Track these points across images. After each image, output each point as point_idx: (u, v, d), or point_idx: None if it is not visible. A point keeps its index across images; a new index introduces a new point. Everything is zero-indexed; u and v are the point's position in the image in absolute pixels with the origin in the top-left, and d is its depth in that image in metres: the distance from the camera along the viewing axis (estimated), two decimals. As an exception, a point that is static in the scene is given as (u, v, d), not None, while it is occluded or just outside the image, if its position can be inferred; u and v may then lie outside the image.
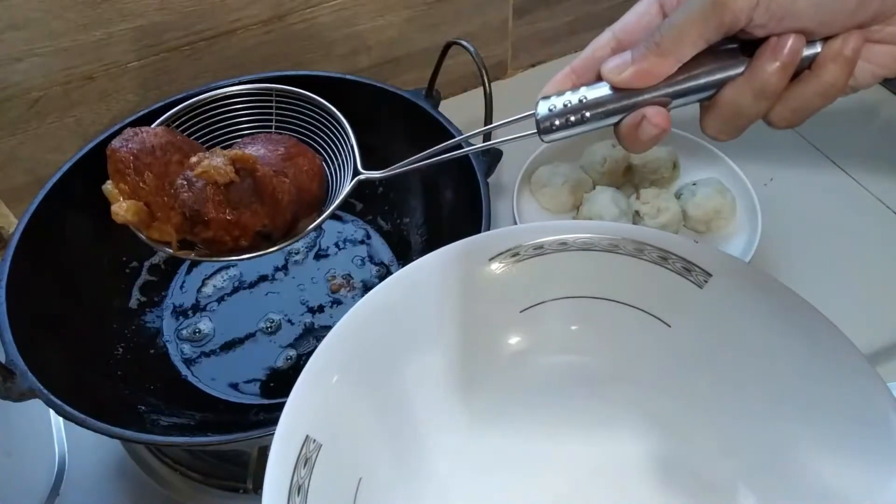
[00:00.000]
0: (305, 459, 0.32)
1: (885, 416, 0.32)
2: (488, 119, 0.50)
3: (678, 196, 0.58)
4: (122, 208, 0.37)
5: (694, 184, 0.58)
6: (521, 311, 0.40)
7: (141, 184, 0.37)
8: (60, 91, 0.54)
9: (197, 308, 0.54)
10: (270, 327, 0.52)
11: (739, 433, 0.36)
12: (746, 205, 0.57)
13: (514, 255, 0.39)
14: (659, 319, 0.39)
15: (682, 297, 0.38)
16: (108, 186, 0.38)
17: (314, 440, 0.32)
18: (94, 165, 0.50)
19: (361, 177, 0.39)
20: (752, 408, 0.36)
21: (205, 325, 0.52)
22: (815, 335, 0.35)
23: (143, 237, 0.38)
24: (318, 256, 0.57)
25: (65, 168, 0.48)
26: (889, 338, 0.51)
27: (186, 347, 0.51)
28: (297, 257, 0.57)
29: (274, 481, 0.30)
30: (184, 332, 0.52)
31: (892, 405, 0.32)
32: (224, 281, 0.55)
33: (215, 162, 0.36)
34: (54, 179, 0.48)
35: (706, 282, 0.38)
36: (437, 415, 0.38)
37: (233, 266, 0.56)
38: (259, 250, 0.39)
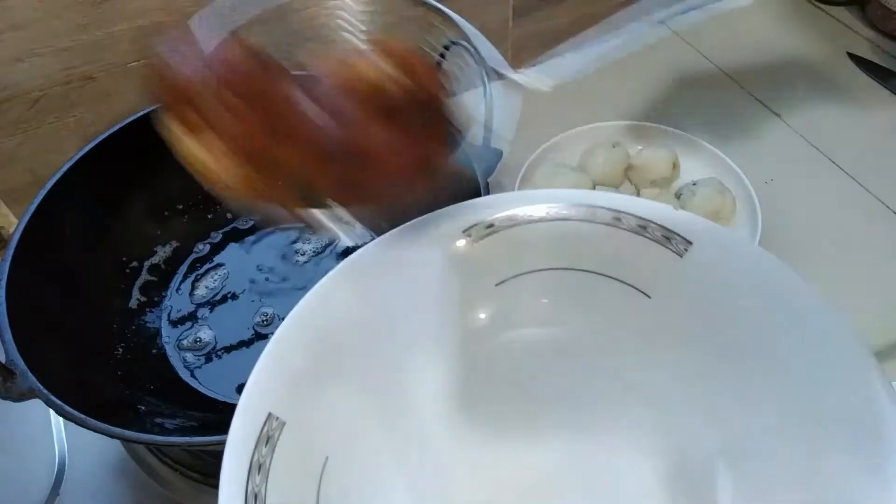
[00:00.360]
0: (267, 437, 0.31)
1: (872, 390, 0.31)
2: (488, 119, 0.50)
3: (678, 196, 0.58)
4: (206, 157, 0.24)
5: (694, 184, 0.58)
6: (496, 285, 0.39)
7: (222, 112, 0.24)
8: (61, 91, 0.54)
9: (193, 314, 0.53)
10: (265, 320, 0.52)
11: (724, 407, 0.35)
12: (746, 205, 0.57)
13: (488, 227, 0.38)
14: (639, 290, 0.38)
15: (662, 266, 0.37)
16: (169, 123, 0.25)
17: (277, 418, 0.31)
18: (94, 165, 0.50)
19: (517, 77, 0.29)
20: (736, 380, 0.35)
21: (205, 334, 0.52)
22: (799, 304, 0.34)
23: (234, 200, 0.26)
24: (312, 260, 0.56)
25: (65, 168, 0.48)
26: (890, 338, 0.51)
27: (189, 356, 0.51)
28: (300, 258, 0.56)
29: (233, 459, 0.29)
30: (184, 342, 0.52)
31: (878, 377, 0.31)
32: (215, 281, 0.55)
33: (378, 65, 0.24)
34: (54, 179, 0.48)
35: (686, 250, 0.37)
36: (411, 395, 0.37)
37: (221, 265, 0.56)
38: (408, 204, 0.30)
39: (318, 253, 0.56)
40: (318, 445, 0.33)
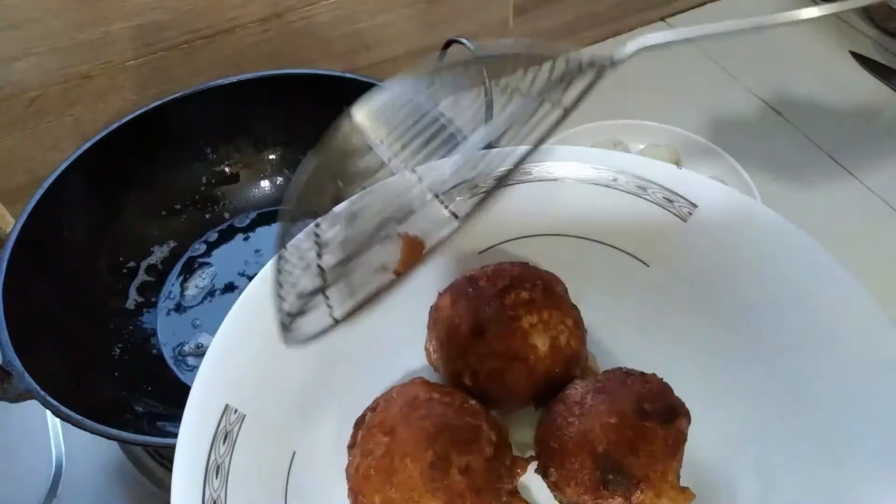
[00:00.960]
0: (225, 434, 0.27)
1: (888, 351, 0.28)
2: (488, 119, 0.50)
3: (680, 195, 0.58)
4: None
5: (695, 183, 0.58)
6: (479, 253, 0.35)
7: None
8: (58, 90, 0.54)
9: (189, 316, 0.53)
10: None
11: (730, 376, 0.32)
12: (748, 204, 0.56)
13: (472, 188, 0.33)
14: (636, 258, 0.35)
15: (663, 231, 0.34)
16: None
17: (236, 410, 0.28)
18: (92, 165, 0.50)
19: None
20: (743, 348, 0.32)
21: (205, 340, 0.51)
22: (815, 272, 0.31)
23: None
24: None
25: (62, 167, 0.48)
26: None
27: (191, 360, 0.50)
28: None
29: (185, 462, 0.26)
30: (186, 347, 0.51)
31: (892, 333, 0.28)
32: (204, 280, 0.55)
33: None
34: (52, 179, 0.48)
35: (691, 214, 0.33)
36: (385, 375, 0.33)
37: (208, 265, 0.55)
38: None
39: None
40: (284, 440, 0.29)
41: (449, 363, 0.32)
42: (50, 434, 0.49)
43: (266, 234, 0.57)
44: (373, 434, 0.28)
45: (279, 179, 0.59)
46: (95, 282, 0.51)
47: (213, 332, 0.51)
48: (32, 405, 0.39)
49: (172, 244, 0.56)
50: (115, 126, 0.51)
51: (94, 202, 0.52)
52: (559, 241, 0.35)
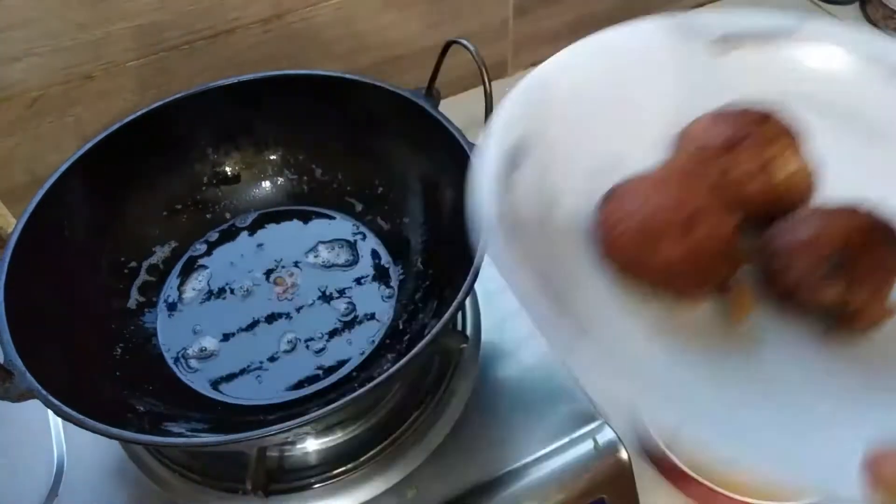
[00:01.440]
0: (514, 157, 0.31)
1: None
2: (489, 118, 0.50)
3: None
4: None
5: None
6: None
7: None
8: (59, 90, 0.54)
9: (184, 314, 0.53)
10: (246, 291, 0.53)
11: None
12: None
13: (737, 40, 0.36)
14: (872, 136, 0.36)
15: None
16: None
17: (525, 144, 0.31)
18: (93, 165, 0.50)
19: None
20: None
21: (208, 343, 0.51)
22: None
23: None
24: (321, 268, 0.56)
25: (63, 167, 0.48)
26: None
27: (194, 363, 0.50)
28: (313, 258, 0.56)
29: (486, 169, 0.30)
30: (189, 351, 0.51)
31: None
32: (201, 283, 0.54)
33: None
34: (53, 179, 0.48)
35: None
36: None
37: (204, 268, 0.55)
38: None
39: (332, 266, 0.55)
40: (551, 186, 0.32)
41: (697, 168, 0.34)
42: (51, 433, 0.49)
43: (267, 234, 0.57)
44: (626, 193, 0.32)
45: (280, 180, 0.59)
46: (97, 281, 0.51)
47: (214, 336, 0.52)
48: (34, 405, 0.39)
49: (174, 244, 0.56)
50: (116, 126, 0.51)
51: (96, 202, 0.52)
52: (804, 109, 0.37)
